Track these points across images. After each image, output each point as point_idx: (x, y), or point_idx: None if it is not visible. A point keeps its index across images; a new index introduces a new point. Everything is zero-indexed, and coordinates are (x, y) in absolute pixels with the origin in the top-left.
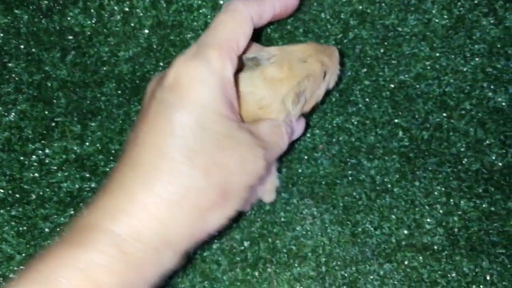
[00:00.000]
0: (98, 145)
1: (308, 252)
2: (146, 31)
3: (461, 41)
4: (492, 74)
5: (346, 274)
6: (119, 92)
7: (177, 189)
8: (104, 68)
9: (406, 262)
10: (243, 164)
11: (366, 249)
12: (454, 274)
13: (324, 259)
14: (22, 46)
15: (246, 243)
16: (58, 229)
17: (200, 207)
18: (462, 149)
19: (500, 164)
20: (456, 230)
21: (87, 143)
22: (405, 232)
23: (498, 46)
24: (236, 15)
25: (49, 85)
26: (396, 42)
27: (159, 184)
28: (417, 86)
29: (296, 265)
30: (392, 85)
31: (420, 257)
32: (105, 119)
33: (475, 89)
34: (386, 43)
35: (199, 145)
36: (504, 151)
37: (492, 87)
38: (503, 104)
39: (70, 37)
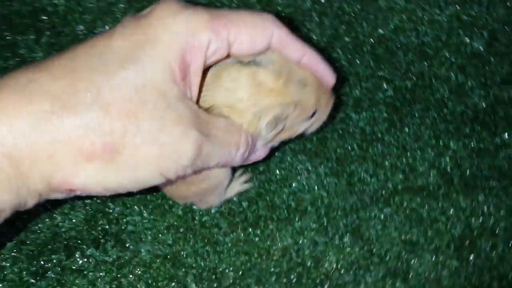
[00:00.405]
0: None
1: (307, 205)
2: (122, 5)
3: None
4: (467, 21)
5: (347, 223)
6: None
7: (58, 110)
8: None
9: (404, 205)
10: (160, 135)
11: (364, 197)
12: (452, 211)
13: (324, 211)
14: None
15: (244, 204)
16: None
17: (76, 147)
18: (445, 94)
19: (483, 104)
20: (449, 169)
21: None
22: (400, 176)
23: None
24: (265, 21)
25: None
26: None
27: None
28: (396, 38)
29: (297, 219)
30: (372, 40)
31: (418, 199)
32: None
33: (452, 37)
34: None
35: (125, 82)
36: (485, 92)
37: (468, 33)
38: (480, 48)
39: (44, 18)
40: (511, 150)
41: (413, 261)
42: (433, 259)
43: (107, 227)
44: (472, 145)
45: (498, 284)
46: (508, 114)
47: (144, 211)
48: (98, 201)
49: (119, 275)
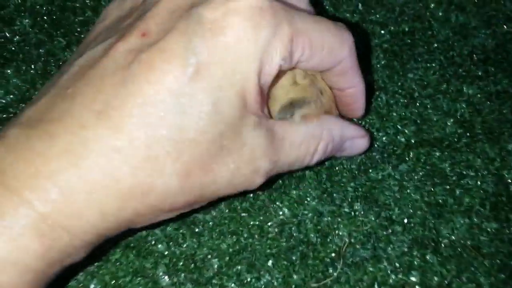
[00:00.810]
0: (17, 93)
1: (304, 170)
2: None
3: None
4: None
5: (356, 186)
6: (36, 29)
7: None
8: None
9: (422, 160)
10: (234, 177)
11: (373, 154)
12: (479, 162)
13: (325, 174)
14: None
15: None
16: None
17: (154, 208)
18: (449, 35)
19: (492, 42)
20: (467, 116)
21: (3, 93)
22: (412, 128)
23: None
24: (342, 47)
25: None
26: None
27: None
28: None
29: (293, 186)
30: None
31: (437, 152)
32: (22, 62)
33: None
34: None
35: (203, 136)
36: (491, 30)
37: None
38: None
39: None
40: None
41: (442, 226)
42: (466, 222)
43: None
44: (489, 88)
45: None
46: None
47: None
48: None
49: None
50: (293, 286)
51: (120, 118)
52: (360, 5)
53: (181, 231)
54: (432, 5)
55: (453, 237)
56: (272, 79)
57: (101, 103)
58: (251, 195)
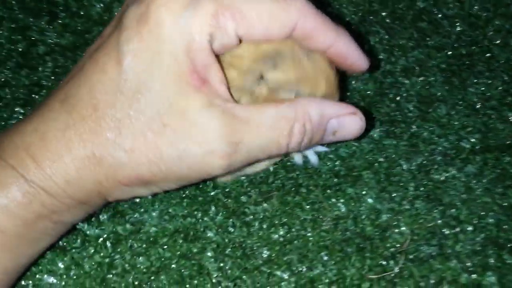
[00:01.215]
0: None
1: (361, 170)
2: None
3: None
4: None
5: (417, 185)
6: None
7: (91, 156)
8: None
9: (491, 164)
10: (185, 160)
11: (435, 156)
12: None
13: (383, 174)
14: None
15: (281, 172)
16: None
17: (116, 180)
18: (510, 57)
19: None
20: None
21: None
22: (477, 135)
23: None
24: (288, 11)
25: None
26: None
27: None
28: (438, 11)
29: (348, 185)
30: (411, 12)
31: (507, 157)
32: None
33: (501, 7)
34: None
35: (142, 114)
36: None
37: None
38: None
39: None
40: None
41: None
42: None
43: None
44: None
45: None
46: None
47: None
48: None
49: (113, 254)
50: (349, 278)
51: (74, 102)
52: (415, 33)
53: (231, 220)
54: (491, 33)
55: None
56: (209, 56)
57: (64, 93)
58: (305, 190)
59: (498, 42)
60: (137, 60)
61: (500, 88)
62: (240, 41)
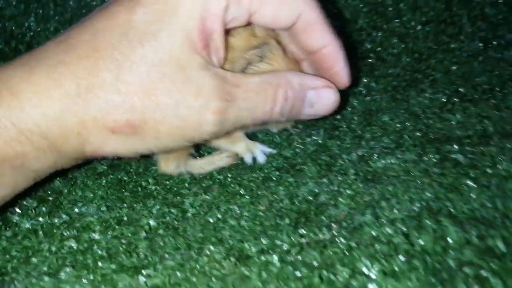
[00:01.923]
0: None
1: (303, 165)
2: None
3: None
4: None
5: (357, 171)
6: None
7: (83, 92)
8: None
9: (430, 152)
10: (180, 109)
11: (376, 148)
12: None
13: (325, 166)
14: None
15: (226, 169)
16: None
17: (101, 124)
18: None
19: None
20: None
21: None
22: (418, 134)
23: None
24: None
25: None
26: None
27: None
28: (384, 50)
29: (289, 176)
30: (359, 51)
31: (447, 146)
32: None
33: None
34: None
35: (143, 59)
36: None
37: None
38: None
39: None
40: None
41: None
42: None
43: None
44: None
45: None
46: None
47: None
48: None
49: (42, 240)
50: (280, 246)
51: (74, 43)
52: (363, 67)
53: (168, 209)
54: (433, 63)
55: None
56: (219, 23)
57: (64, 36)
58: (246, 182)
59: (440, 69)
60: (151, 11)
61: (442, 99)
62: (249, 23)
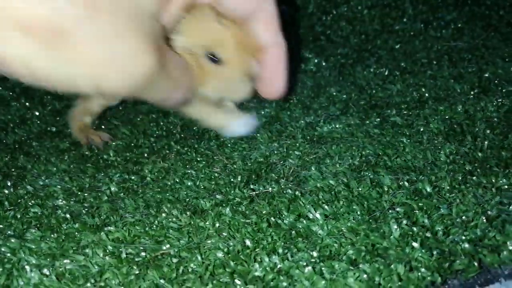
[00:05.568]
0: None
1: (256, 133)
2: None
3: None
4: None
5: (303, 135)
6: None
7: None
8: None
9: (372, 117)
10: (116, 40)
11: (322, 116)
12: None
13: (276, 132)
14: None
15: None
16: None
17: (16, 14)
18: None
19: None
20: None
21: None
22: (362, 102)
23: None
24: None
25: None
26: None
27: None
28: (334, 32)
29: (243, 142)
30: (311, 34)
31: (388, 111)
32: None
33: (387, 26)
34: None
35: None
36: None
37: None
38: None
39: None
40: None
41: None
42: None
43: None
44: None
45: None
46: None
47: None
48: None
49: (6, 211)
50: (231, 200)
51: None
52: (314, 48)
53: (127, 176)
54: (379, 43)
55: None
56: None
57: None
58: (202, 149)
59: (384, 48)
60: None
61: (385, 73)
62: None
